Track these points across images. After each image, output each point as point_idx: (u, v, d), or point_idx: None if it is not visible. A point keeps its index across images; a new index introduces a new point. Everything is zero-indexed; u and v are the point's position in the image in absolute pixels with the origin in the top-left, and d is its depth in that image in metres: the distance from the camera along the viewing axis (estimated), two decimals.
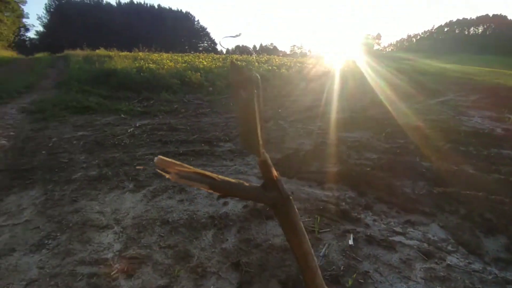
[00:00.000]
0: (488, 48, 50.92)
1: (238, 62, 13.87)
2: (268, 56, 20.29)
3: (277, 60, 16.90)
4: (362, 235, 2.24)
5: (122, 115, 6.03)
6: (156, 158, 0.74)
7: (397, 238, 2.19)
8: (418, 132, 4.57)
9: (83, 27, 43.08)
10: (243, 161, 3.76)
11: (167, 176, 0.74)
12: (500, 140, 4.56)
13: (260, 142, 0.86)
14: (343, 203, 2.72)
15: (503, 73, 17.45)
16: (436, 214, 2.50)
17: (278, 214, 0.93)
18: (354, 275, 1.81)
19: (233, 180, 0.88)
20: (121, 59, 12.74)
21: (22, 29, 34.68)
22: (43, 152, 3.88)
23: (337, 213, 2.54)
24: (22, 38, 36.96)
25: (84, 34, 38.35)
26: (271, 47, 65.77)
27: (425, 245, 2.12)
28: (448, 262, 1.95)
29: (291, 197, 0.92)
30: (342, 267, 1.91)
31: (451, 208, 2.58)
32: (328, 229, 2.32)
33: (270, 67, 12.63)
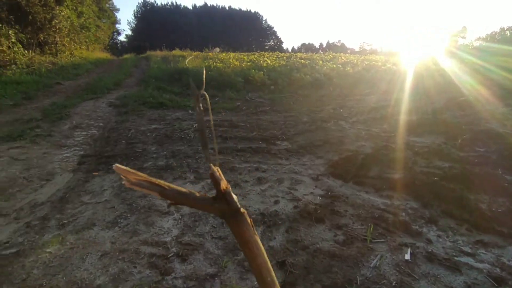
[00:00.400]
0: None
1: (302, 60, 13.71)
2: (333, 54, 19.60)
3: (342, 57, 16.22)
4: (421, 251, 2.05)
5: (190, 111, 6.52)
6: (114, 166, 0.83)
7: (464, 259, 1.95)
8: (503, 140, 3.91)
9: (163, 30, 47.50)
10: (298, 161, 3.75)
11: (123, 182, 0.81)
12: None
13: (208, 155, 0.90)
14: (403, 214, 2.52)
15: None
16: None
17: (229, 225, 0.93)
18: None
19: (183, 189, 0.88)
20: (192, 59, 13.75)
21: (115, 33, 39.81)
22: (123, 141, 4.45)
23: (394, 224, 2.37)
24: (114, 41, 42.39)
25: (164, 36, 42.28)
26: (339, 44, 63.13)
27: (497, 270, 1.84)
28: None
29: (242, 210, 0.90)
30: (394, 282, 1.78)
31: None
32: (383, 240, 2.18)
33: (334, 65, 12.19)
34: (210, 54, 16.74)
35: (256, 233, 0.93)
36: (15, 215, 2.51)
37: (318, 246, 2.12)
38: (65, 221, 2.39)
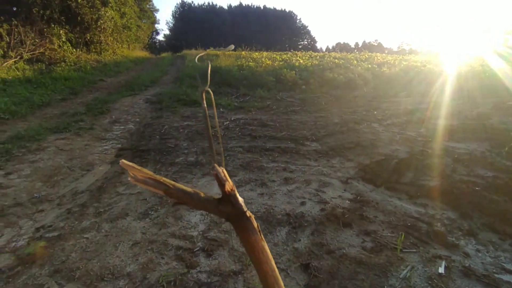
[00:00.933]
0: None
1: (336, 60, 13.38)
2: (369, 54, 18.88)
3: (379, 58, 15.55)
4: (457, 265, 1.92)
5: (221, 109, 6.63)
6: (120, 161, 0.80)
7: (506, 277, 1.79)
8: None
9: (199, 29, 48.80)
10: (327, 163, 3.67)
11: (129, 178, 0.79)
12: None
13: (214, 154, 0.85)
14: (438, 224, 2.37)
15: None
16: None
17: (235, 228, 0.88)
18: None
19: (188, 189, 0.83)
20: (225, 58, 13.97)
21: (154, 33, 41.51)
22: (157, 137, 4.64)
23: (428, 234, 2.24)
24: (153, 40, 44.17)
25: (199, 35, 43.47)
26: (375, 44, 60.72)
27: None
28: None
29: (248, 214, 0.84)
30: None
31: None
32: (414, 250, 2.07)
33: (369, 66, 11.74)
34: (240, 53, 16.89)
35: (263, 238, 0.89)
36: (58, 201, 2.72)
37: (344, 251, 2.06)
38: (102, 210, 2.55)
